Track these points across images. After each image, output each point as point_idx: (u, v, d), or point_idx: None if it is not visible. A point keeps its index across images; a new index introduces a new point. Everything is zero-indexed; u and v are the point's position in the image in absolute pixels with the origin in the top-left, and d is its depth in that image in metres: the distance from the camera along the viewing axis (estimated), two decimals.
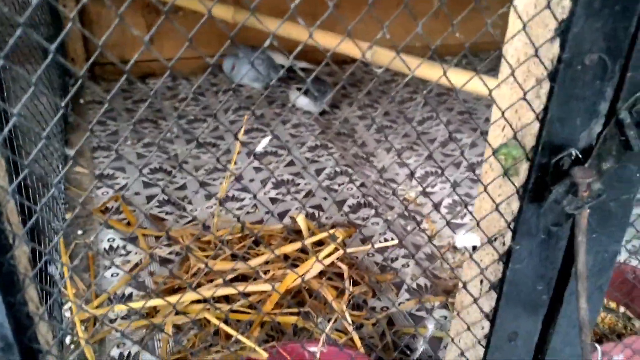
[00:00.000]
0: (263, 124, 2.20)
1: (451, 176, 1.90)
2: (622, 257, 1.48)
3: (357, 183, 1.82)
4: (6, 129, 0.47)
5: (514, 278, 0.74)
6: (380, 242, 1.52)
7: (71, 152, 1.52)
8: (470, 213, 0.78)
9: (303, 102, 2.28)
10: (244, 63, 2.40)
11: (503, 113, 0.64)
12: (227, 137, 2.08)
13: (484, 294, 0.78)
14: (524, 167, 0.68)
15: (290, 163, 1.92)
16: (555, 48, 0.61)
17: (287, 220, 1.61)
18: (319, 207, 1.68)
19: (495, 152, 0.67)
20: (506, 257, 0.73)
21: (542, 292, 0.77)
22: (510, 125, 0.65)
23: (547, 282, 0.77)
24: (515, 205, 0.71)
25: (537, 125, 0.65)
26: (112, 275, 1.36)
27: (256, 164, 1.91)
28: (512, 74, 0.62)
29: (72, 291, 1.19)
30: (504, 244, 0.74)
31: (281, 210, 1.66)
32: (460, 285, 0.84)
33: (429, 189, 1.84)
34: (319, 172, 1.89)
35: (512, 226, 0.71)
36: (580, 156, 0.66)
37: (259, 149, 1.80)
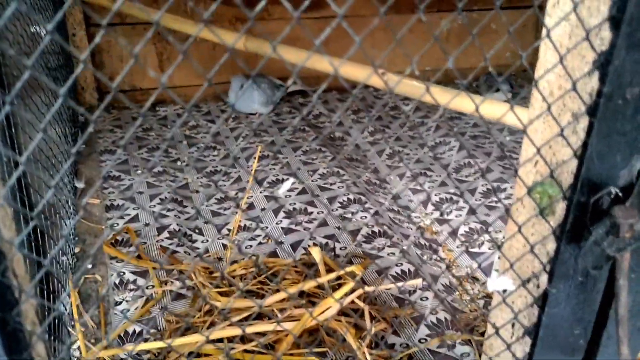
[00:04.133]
0: (273, 151, 2.17)
1: (462, 197, 1.86)
2: None
3: (371, 211, 1.78)
4: (13, 177, 0.44)
5: (550, 322, 0.70)
6: (396, 273, 1.48)
7: (81, 185, 1.50)
8: (495, 241, 0.74)
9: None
10: (251, 90, 2.40)
11: (539, 150, 0.60)
12: (238, 165, 2.05)
13: (517, 339, 0.74)
14: (560, 206, 0.64)
15: (302, 191, 1.89)
16: (593, 81, 0.57)
17: (300, 249, 1.57)
18: (332, 237, 1.64)
19: (529, 190, 0.63)
20: (542, 301, 0.69)
21: (579, 336, 0.73)
22: (546, 163, 0.61)
23: (584, 326, 0.72)
24: (550, 245, 0.67)
25: (574, 162, 0.61)
26: (122, 312, 1.32)
27: (268, 192, 1.88)
28: (549, 109, 0.58)
29: (81, 330, 1.16)
30: (538, 286, 0.70)
31: (295, 240, 1.62)
32: (490, 328, 0.80)
33: (444, 217, 1.79)
34: (331, 200, 1.85)
35: (547, 268, 0.67)
36: (620, 194, 0.62)
37: (282, 191, 1.76)
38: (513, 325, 0.76)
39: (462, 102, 0.92)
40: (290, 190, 1.89)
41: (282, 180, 1.95)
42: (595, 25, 0.55)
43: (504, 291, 0.73)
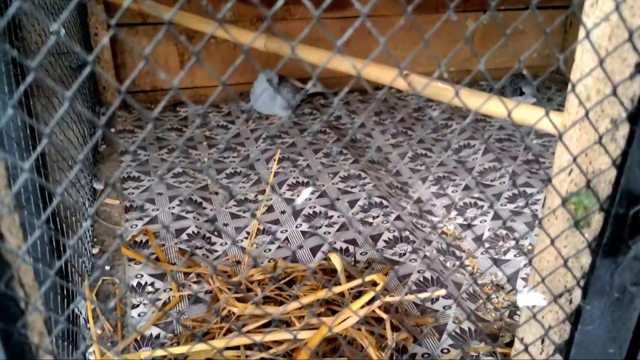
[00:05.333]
0: (295, 153, 2.15)
1: (492, 208, 1.81)
2: None
3: (393, 216, 1.75)
4: (16, 186, 0.42)
5: (583, 340, 0.66)
6: (419, 280, 1.44)
7: (100, 186, 1.49)
8: (521, 249, 0.70)
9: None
10: (272, 93, 2.38)
11: (575, 159, 0.56)
12: (258, 167, 2.03)
13: (547, 357, 0.70)
14: (596, 218, 0.60)
15: (323, 194, 1.86)
16: (635, 86, 0.54)
17: (320, 254, 1.54)
18: (353, 242, 1.61)
19: (564, 201, 0.59)
20: (574, 317, 0.65)
21: (614, 355, 0.68)
22: (582, 172, 0.58)
23: (619, 345, 0.68)
24: (585, 259, 0.63)
25: (613, 171, 0.57)
26: (139, 315, 1.30)
27: (287, 195, 1.85)
28: (587, 114, 0.54)
29: (96, 334, 1.14)
30: (570, 301, 0.66)
31: (315, 244, 1.59)
32: (518, 343, 0.76)
33: (469, 222, 1.75)
34: (352, 203, 1.82)
35: (581, 283, 0.63)
36: None
37: (300, 201, 1.74)
38: (543, 341, 0.72)
39: (492, 106, 0.89)
40: (311, 192, 1.86)
41: (302, 183, 1.92)
42: (638, 25, 0.51)
43: (534, 306, 0.69)
